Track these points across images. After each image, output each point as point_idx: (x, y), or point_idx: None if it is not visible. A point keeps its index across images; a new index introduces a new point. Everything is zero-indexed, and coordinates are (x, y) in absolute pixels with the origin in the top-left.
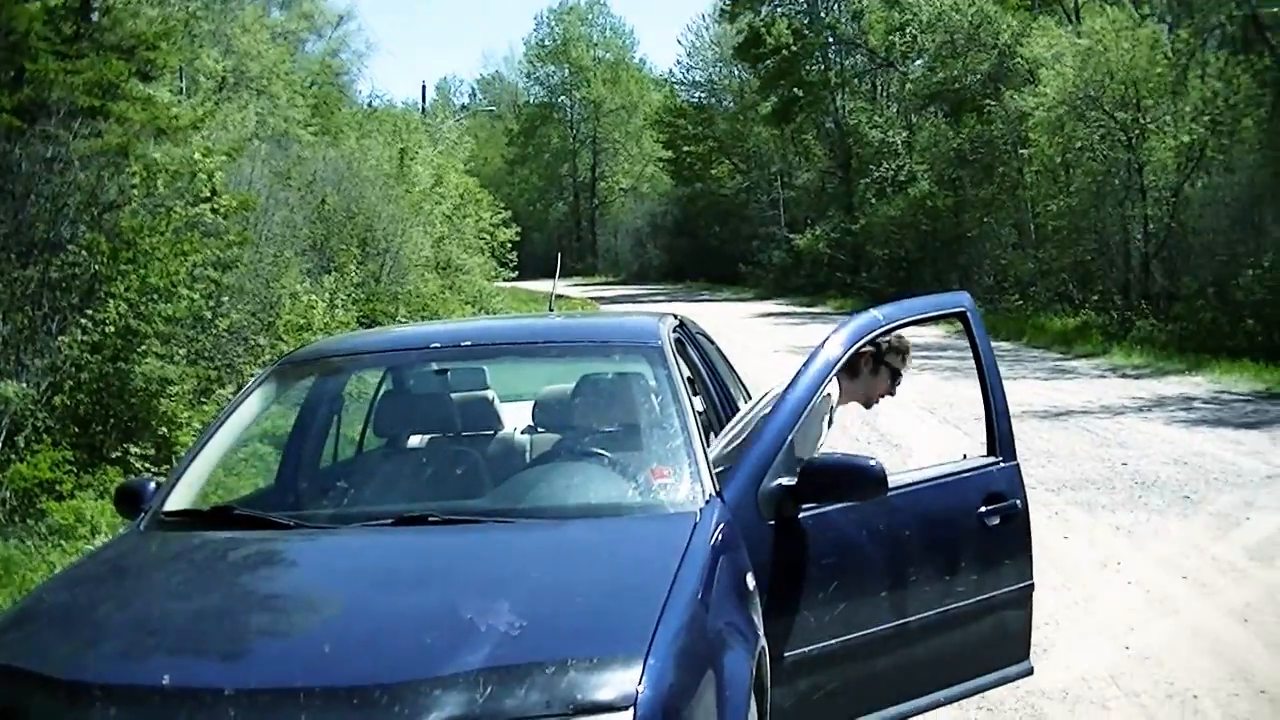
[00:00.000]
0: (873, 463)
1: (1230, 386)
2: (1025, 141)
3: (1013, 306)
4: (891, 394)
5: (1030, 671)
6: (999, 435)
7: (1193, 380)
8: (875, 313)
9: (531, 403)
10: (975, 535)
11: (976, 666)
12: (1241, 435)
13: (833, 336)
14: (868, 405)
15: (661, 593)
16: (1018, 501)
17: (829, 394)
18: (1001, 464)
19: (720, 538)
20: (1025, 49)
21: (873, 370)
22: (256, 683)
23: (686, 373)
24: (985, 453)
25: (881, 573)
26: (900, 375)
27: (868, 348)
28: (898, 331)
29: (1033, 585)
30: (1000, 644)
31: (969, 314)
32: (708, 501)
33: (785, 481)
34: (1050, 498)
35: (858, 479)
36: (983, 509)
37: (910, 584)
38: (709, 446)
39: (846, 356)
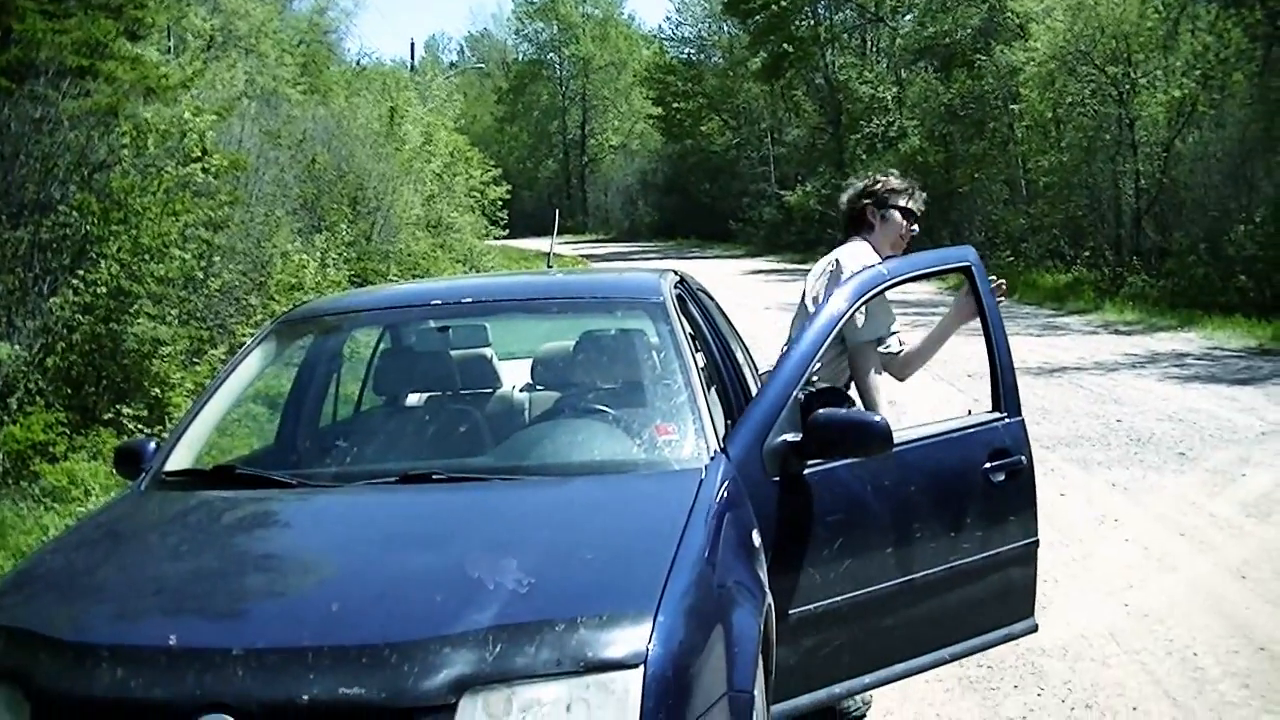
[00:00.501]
0: (878, 419)
1: (1223, 343)
2: (1016, 97)
3: (1004, 263)
4: (915, 231)
5: (1035, 629)
6: (1004, 390)
7: (1185, 336)
8: (880, 267)
9: (529, 361)
10: (981, 491)
11: (982, 623)
12: (1235, 391)
13: (838, 291)
14: (898, 249)
15: (669, 550)
16: (1023, 458)
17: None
18: (1007, 420)
19: (726, 494)
20: (1015, 3)
21: (881, 218)
22: (264, 642)
23: (689, 329)
24: (990, 408)
25: (887, 529)
26: (914, 212)
27: (865, 201)
28: (882, 178)
29: (1038, 541)
30: (1005, 601)
31: (974, 268)
32: (713, 458)
33: (790, 438)
34: (1046, 455)
35: (864, 435)
36: (988, 465)
37: (916, 541)
38: (712, 403)
39: (855, 308)
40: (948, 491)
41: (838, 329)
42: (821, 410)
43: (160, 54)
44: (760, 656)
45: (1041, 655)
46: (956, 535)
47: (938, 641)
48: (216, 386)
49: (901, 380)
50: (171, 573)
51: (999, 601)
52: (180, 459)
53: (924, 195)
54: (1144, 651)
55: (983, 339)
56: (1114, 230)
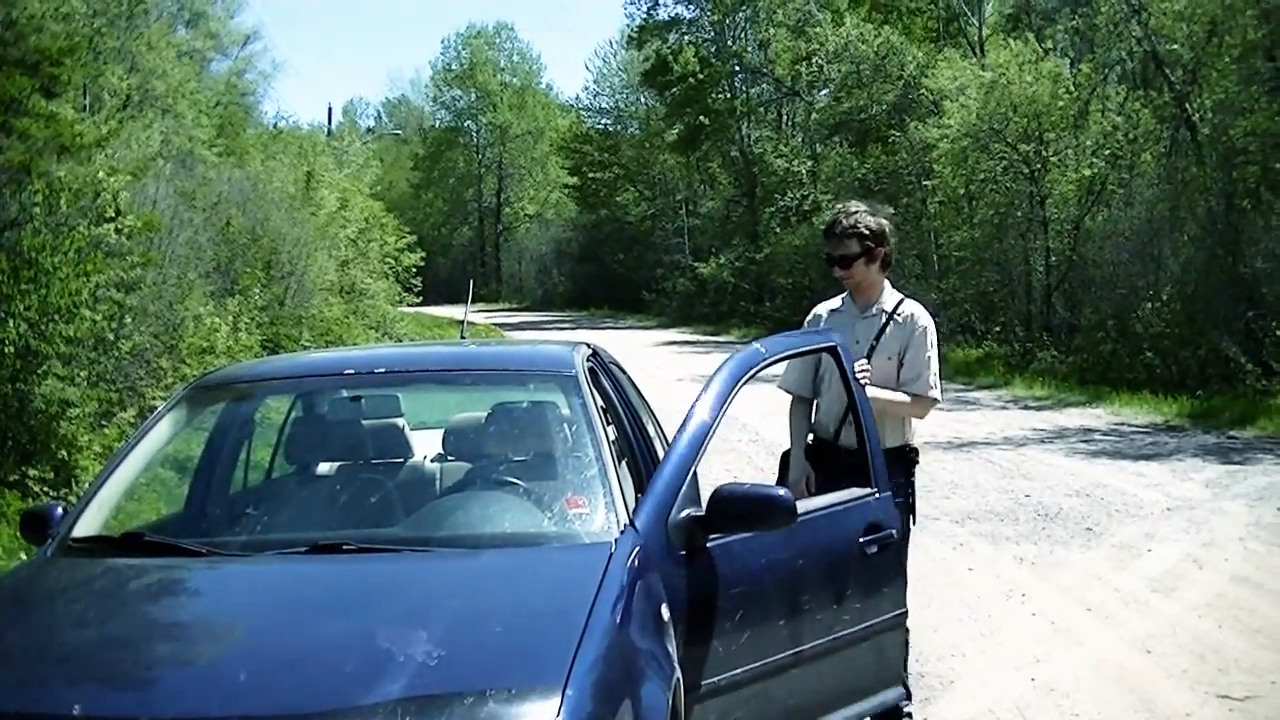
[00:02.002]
0: (782, 493)
1: (1129, 419)
2: (929, 172)
3: None
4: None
5: (906, 697)
6: (875, 469)
7: (1093, 412)
8: (758, 345)
9: (442, 431)
10: (859, 563)
11: (858, 693)
12: (1141, 467)
13: (719, 372)
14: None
15: (578, 623)
16: (893, 531)
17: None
18: (878, 495)
19: (635, 567)
20: (930, 81)
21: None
22: (171, 713)
23: (600, 402)
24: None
25: (781, 601)
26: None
27: (874, 243)
28: (876, 217)
29: (907, 612)
30: (880, 670)
31: (839, 349)
32: (623, 531)
33: (693, 512)
34: (955, 529)
35: (768, 509)
36: (863, 538)
37: (804, 612)
38: (623, 476)
39: (744, 381)
40: (831, 564)
41: (728, 404)
42: (724, 485)
43: (76, 112)
44: None
45: None
46: (839, 607)
47: (822, 711)
48: (127, 451)
49: None
50: (77, 640)
51: (875, 671)
52: (88, 525)
53: None
54: None
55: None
56: (1024, 306)
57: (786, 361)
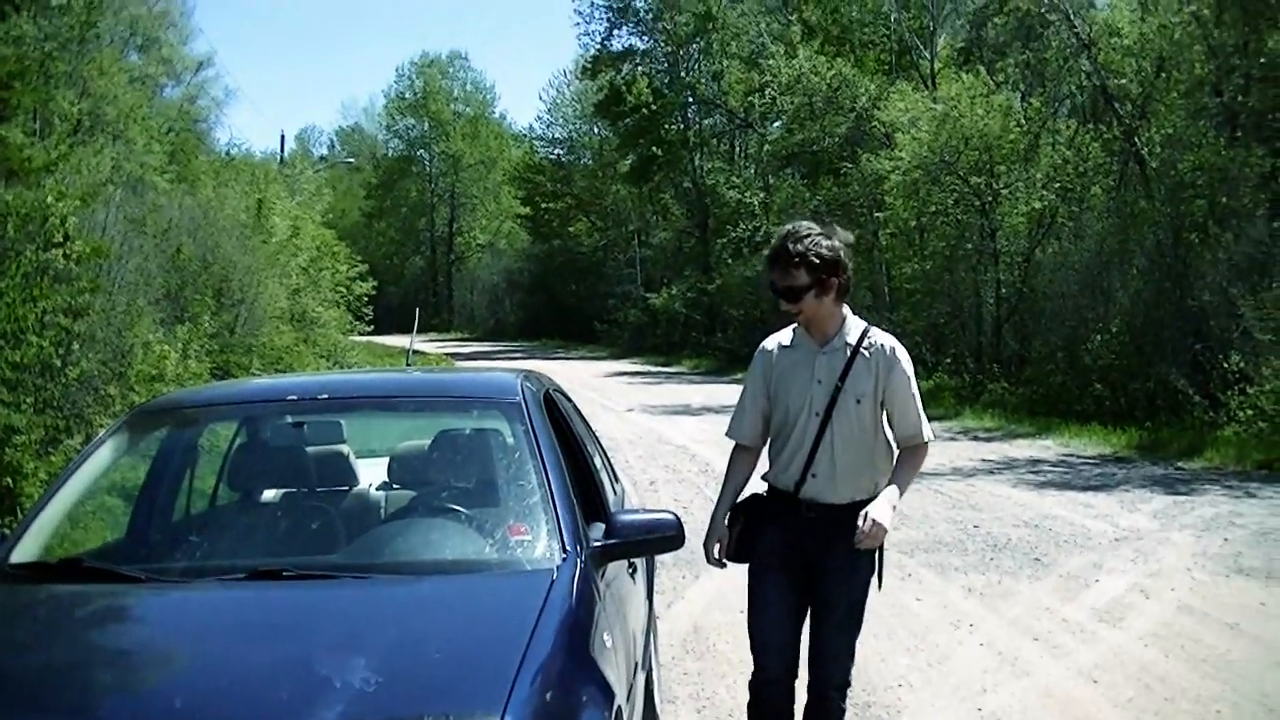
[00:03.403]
0: (670, 517)
1: (1078, 450)
2: (881, 204)
3: None
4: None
5: None
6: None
7: (1042, 443)
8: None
9: (386, 459)
10: None
11: None
12: (1089, 498)
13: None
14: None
15: (518, 650)
16: None
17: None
18: None
19: (577, 594)
20: (882, 113)
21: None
22: None
23: (545, 430)
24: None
25: None
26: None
27: (827, 272)
28: (831, 240)
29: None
30: None
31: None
32: (565, 559)
33: (597, 541)
34: (904, 560)
35: (666, 532)
36: None
37: None
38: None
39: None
40: None
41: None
42: (621, 514)
43: (25, 136)
44: None
45: None
46: None
47: None
48: (66, 477)
49: None
50: (14, 667)
51: None
52: (27, 551)
53: None
54: None
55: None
56: (975, 337)
57: (737, 406)
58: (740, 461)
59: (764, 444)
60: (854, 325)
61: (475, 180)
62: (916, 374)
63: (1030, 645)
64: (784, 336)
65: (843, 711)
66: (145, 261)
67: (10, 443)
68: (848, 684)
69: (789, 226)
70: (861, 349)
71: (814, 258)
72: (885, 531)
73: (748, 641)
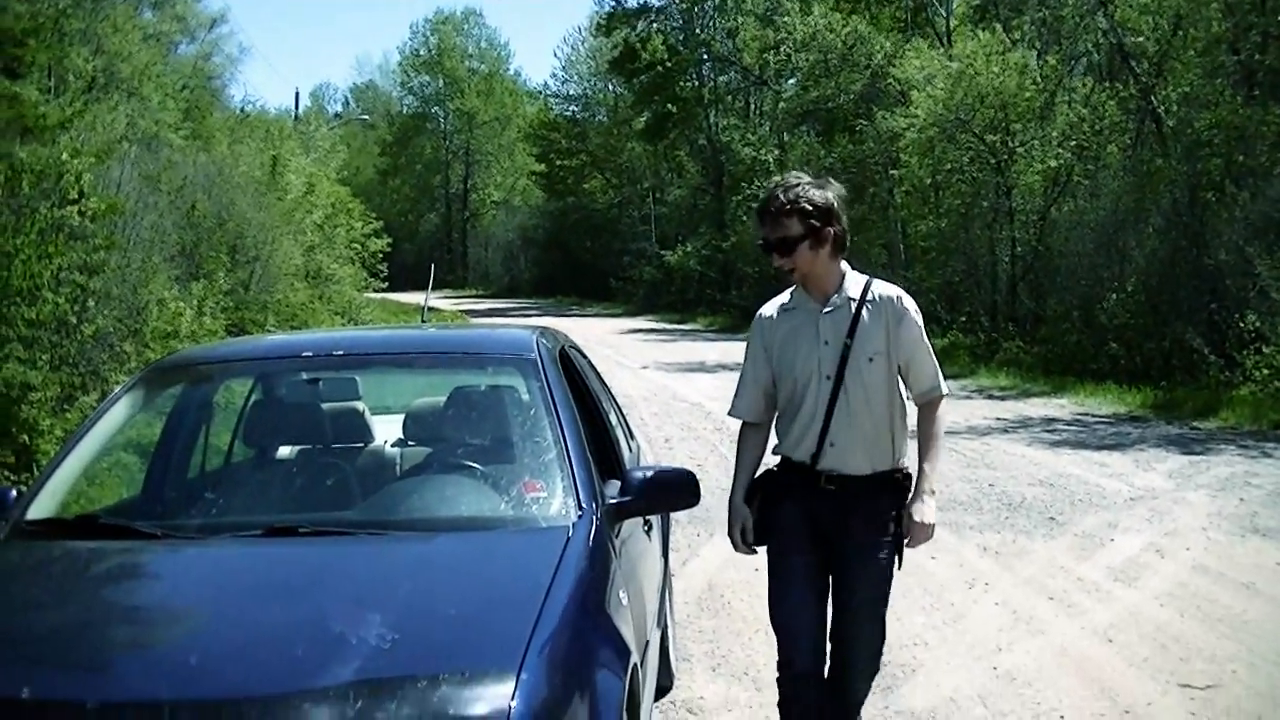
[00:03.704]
0: (686, 472)
1: (1093, 409)
2: (896, 162)
3: None
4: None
5: None
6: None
7: (1057, 402)
8: None
9: (402, 415)
10: None
11: None
12: (1104, 457)
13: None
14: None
15: (534, 607)
16: None
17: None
18: None
19: (592, 551)
20: (898, 70)
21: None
22: (121, 696)
23: (560, 386)
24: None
25: None
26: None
27: (820, 220)
28: (824, 191)
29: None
30: None
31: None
32: (580, 515)
33: (612, 498)
34: None
35: (682, 489)
36: None
37: None
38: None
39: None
40: None
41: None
42: (635, 471)
43: (40, 93)
44: (625, 716)
45: (911, 718)
46: None
47: None
48: (82, 434)
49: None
50: (27, 624)
51: None
52: (43, 508)
53: None
54: (1011, 714)
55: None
56: (990, 296)
57: (739, 381)
58: (749, 440)
59: (771, 418)
60: (854, 279)
61: (490, 137)
62: (930, 332)
63: (1045, 604)
64: (782, 298)
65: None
66: (160, 219)
67: (26, 400)
68: (870, 684)
69: (779, 178)
70: (866, 302)
71: (806, 204)
72: (933, 530)
73: (774, 633)
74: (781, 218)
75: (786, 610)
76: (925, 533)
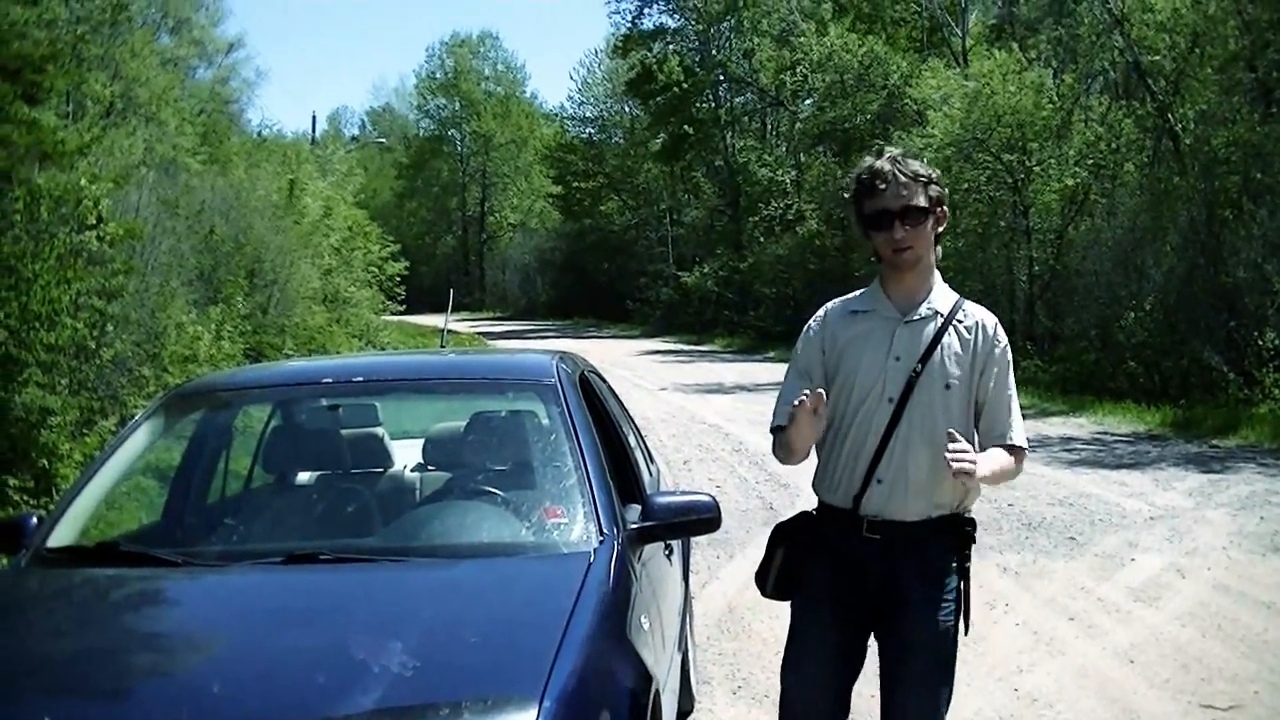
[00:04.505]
0: (706, 499)
1: (1112, 428)
2: None
3: None
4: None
5: None
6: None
7: (1076, 421)
8: None
9: (421, 440)
10: None
11: None
12: (1124, 476)
13: None
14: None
15: (556, 634)
16: None
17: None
18: None
19: (614, 577)
20: (914, 90)
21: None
22: None
23: (580, 411)
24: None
25: None
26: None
27: (939, 202)
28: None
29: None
30: None
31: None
32: (602, 541)
33: (634, 523)
34: None
35: (702, 514)
36: None
37: None
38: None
39: None
40: None
41: None
42: (657, 496)
43: (58, 118)
44: None
45: None
46: None
47: None
48: (103, 461)
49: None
50: (50, 651)
51: None
52: (63, 535)
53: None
54: None
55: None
56: (1008, 315)
57: (781, 389)
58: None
59: (813, 440)
60: (944, 292)
61: (506, 160)
62: None
63: (1066, 625)
64: (852, 299)
65: None
66: (178, 243)
67: (45, 424)
68: None
69: (888, 150)
70: (955, 321)
71: (928, 176)
72: (974, 471)
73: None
74: (910, 184)
75: (796, 683)
76: (965, 462)
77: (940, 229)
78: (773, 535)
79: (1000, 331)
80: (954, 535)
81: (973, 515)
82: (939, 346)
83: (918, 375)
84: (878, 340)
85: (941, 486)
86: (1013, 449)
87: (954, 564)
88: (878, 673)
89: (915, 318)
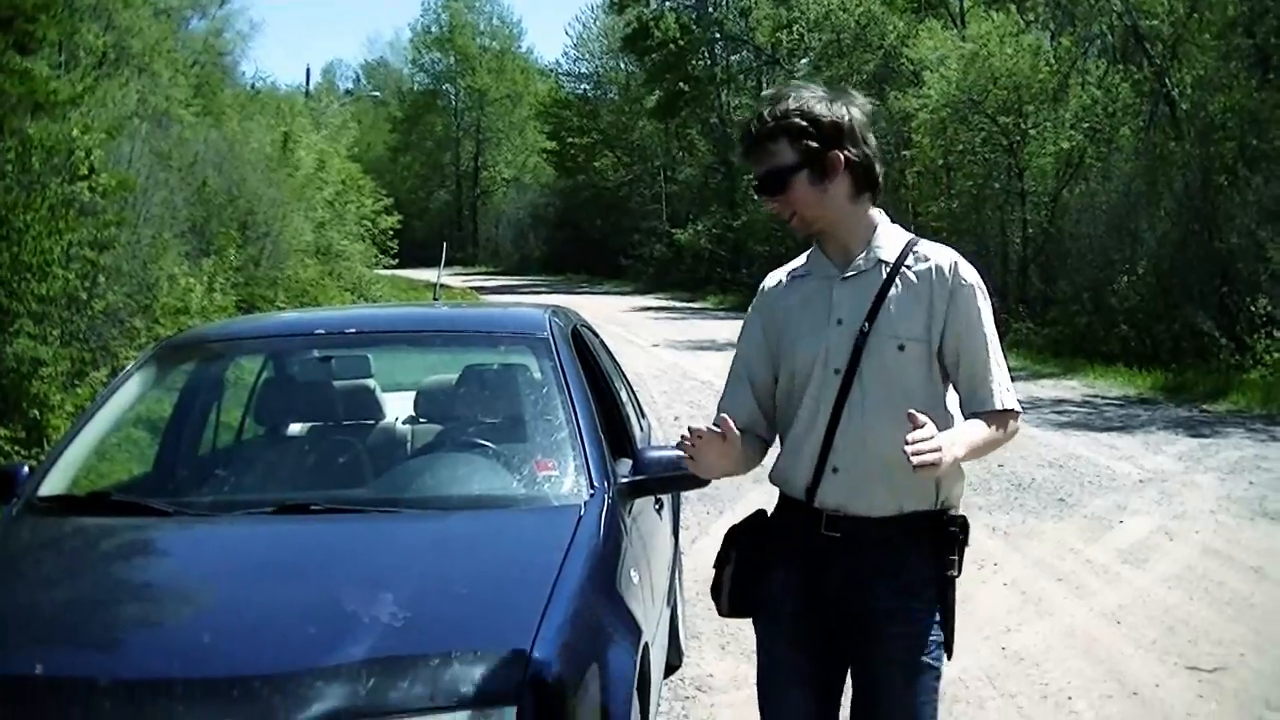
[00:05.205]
0: None
1: (1103, 391)
2: (908, 143)
3: None
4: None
5: None
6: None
7: (1067, 384)
8: None
9: (413, 393)
10: None
11: None
12: (1114, 439)
13: None
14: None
15: (546, 586)
16: None
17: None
18: None
19: (604, 530)
20: (911, 51)
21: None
22: (133, 673)
23: (572, 365)
24: None
25: None
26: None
27: (824, 142)
28: (836, 104)
29: None
30: None
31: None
32: (592, 494)
33: (624, 477)
34: None
35: (691, 472)
36: None
37: None
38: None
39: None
40: None
41: None
42: (648, 451)
43: (50, 69)
44: (636, 694)
45: None
46: None
47: None
48: (94, 411)
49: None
50: (42, 600)
51: None
52: (55, 484)
53: None
54: (1020, 695)
55: None
56: (1001, 278)
57: (727, 377)
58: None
59: (771, 430)
60: (891, 235)
61: (501, 115)
62: None
63: (1054, 586)
64: (797, 262)
65: None
66: (171, 195)
67: (37, 375)
68: None
69: (770, 90)
70: (904, 268)
71: (799, 119)
72: (940, 461)
73: None
74: (766, 141)
75: (780, 715)
76: (929, 450)
77: (840, 169)
78: (725, 540)
79: (965, 269)
80: (935, 537)
81: (961, 513)
82: (884, 301)
83: (865, 338)
84: (817, 304)
85: (912, 476)
86: (998, 414)
87: (934, 573)
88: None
89: (854, 272)
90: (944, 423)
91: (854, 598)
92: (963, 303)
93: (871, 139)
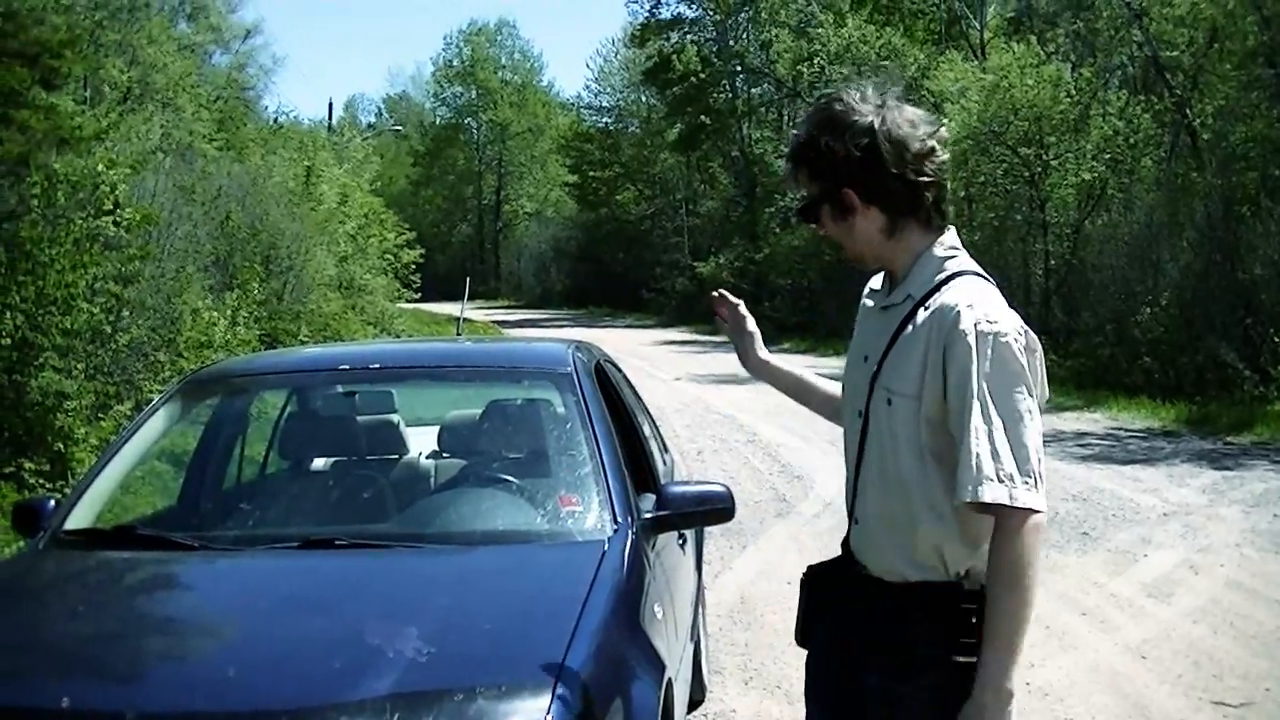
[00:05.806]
0: (721, 489)
1: (1126, 423)
2: None
3: None
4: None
5: None
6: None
7: (1090, 416)
8: None
9: (436, 428)
10: None
11: None
12: (1138, 472)
13: None
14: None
15: (570, 621)
16: None
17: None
18: None
19: (628, 565)
20: (932, 82)
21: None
22: (158, 707)
23: (595, 400)
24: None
25: None
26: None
27: (847, 169)
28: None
29: None
30: None
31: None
32: (616, 530)
33: (648, 512)
34: None
35: (716, 504)
36: None
37: None
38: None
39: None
40: None
41: None
42: (671, 486)
43: (75, 104)
44: None
45: None
46: None
47: None
48: (120, 445)
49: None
50: (67, 633)
51: None
52: (80, 518)
53: None
54: None
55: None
56: (1023, 309)
57: None
58: None
59: None
60: (930, 265)
61: (522, 148)
62: None
63: (1079, 620)
64: (875, 281)
65: None
66: (194, 229)
67: (61, 408)
68: None
69: (820, 97)
70: (922, 308)
71: (810, 150)
72: None
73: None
74: (792, 166)
75: None
76: None
77: (863, 198)
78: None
79: (967, 318)
80: (942, 609)
81: (979, 588)
82: (896, 343)
83: (875, 382)
84: (860, 333)
85: (903, 538)
86: (999, 522)
87: (939, 654)
88: None
89: (889, 304)
90: (938, 488)
91: (853, 671)
92: (957, 358)
93: (924, 152)
